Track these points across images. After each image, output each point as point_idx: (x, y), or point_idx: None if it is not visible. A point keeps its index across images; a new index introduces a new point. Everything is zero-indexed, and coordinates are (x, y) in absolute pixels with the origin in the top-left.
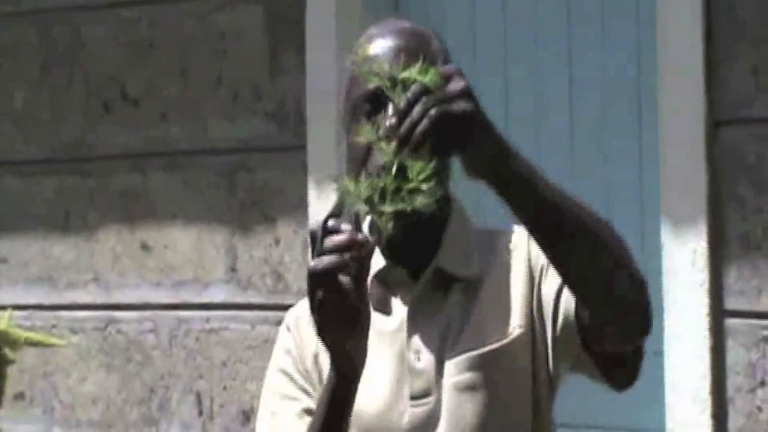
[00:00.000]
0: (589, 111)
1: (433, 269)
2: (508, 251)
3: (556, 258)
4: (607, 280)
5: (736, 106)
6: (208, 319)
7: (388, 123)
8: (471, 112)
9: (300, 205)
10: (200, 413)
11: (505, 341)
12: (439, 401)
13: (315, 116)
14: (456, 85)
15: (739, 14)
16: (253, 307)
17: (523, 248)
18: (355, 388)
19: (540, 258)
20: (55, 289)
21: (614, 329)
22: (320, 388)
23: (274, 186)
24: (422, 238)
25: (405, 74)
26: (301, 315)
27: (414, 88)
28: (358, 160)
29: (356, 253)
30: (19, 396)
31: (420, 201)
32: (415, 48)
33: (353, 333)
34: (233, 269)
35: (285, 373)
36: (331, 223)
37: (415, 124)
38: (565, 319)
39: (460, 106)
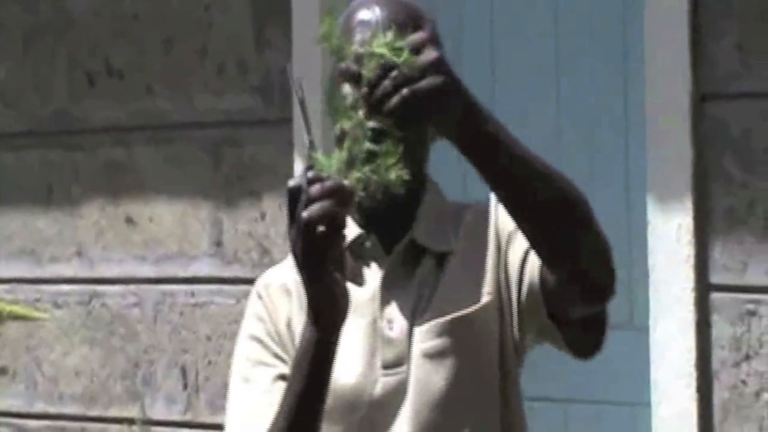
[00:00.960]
0: (575, 86)
1: (408, 241)
2: (477, 223)
3: (523, 218)
4: (572, 239)
5: (722, 81)
6: (192, 293)
7: (359, 93)
8: (440, 86)
9: (285, 180)
10: (185, 387)
11: (474, 308)
12: (410, 370)
13: None
14: (427, 56)
15: None
16: (238, 282)
17: (491, 219)
18: (335, 351)
19: (506, 227)
20: (38, 262)
21: (579, 291)
22: (294, 351)
23: (259, 160)
24: (396, 210)
25: (376, 48)
26: (270, 283)
27: (384, 61)
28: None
29: (343, 198)
30: (2, 370)
31: (391, 182)
32: (404, 19)
33: (341, 284)
34: (218, 243)
35: (257, 339)
36: (311, 174)
37: (383, 98)
38: (530, 285)
39: (431, 82)
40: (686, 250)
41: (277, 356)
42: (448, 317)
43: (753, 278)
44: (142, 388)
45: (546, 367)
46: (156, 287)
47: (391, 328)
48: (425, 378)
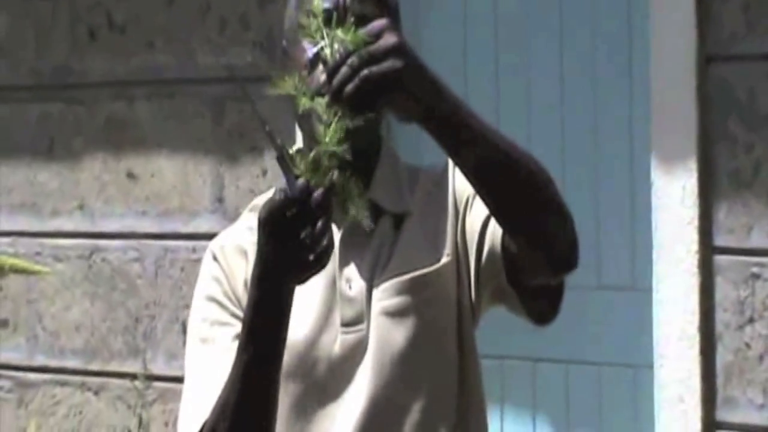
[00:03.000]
0: (579, 46)
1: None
2: (433, 185)
3: (485, 192)
4: (534, 212)
5: (727, 42)
6: (194, 249)
7: (320, 79)
8: (399, 69)
9: (288, 137)
10: (185, 343)
11: (432, 268)
12: (369, 327)
13: None
14: (386, 41)
15: None
16: None
17: (447, 182)
18: (291, 302)
19: (464, 191)
20: (39, 216)
21: (541, 262)
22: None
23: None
24: (353, 172)
25: (336, 31)
26: (225, 244)
27: (341, 47)
28: (300, 72)
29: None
30: (3, 323)
31: (350, 215)
32: None
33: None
34: (220, 199)
35: (214, 300)
36: (298, 186)
37: (343, 83)
38: (491, 250)
39: (389, 64)
40: (690, 212)
41: (234, 316)
42: (407, 276)
43: (757, 241)
44: (143, 343)
45: (547, 328)
46: (157, 242)
47: (350, 287)
48: (385, 335)
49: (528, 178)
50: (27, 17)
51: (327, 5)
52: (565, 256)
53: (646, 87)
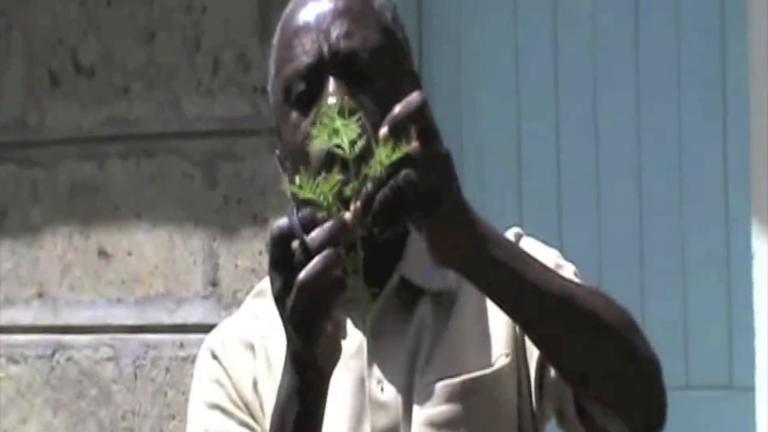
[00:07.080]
0: (662, 86)
1: (398, 280)
2: None
3: (547, 350)
4: (607, 371)
5: None
6: (181, 344)
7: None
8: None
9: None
10: None
11: (489, 370)
12: None
13: None
14: (437, 150)
15: None
16: None
17: None
18: (325, 399)
19: None
20: None
21: (617, 424)
22: (263, 418)
23: (264, 178)
24: (382, 245)
25: (379, 155)
26: (226, 339)
27: (388, 169)
28: (297, 157)
29: (346, 238)
30: None
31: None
32: (355, 9)
33: (337, 338)
34: (213, 282)
35: (218, 407)
36: (303, 214)
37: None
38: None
39: (433, 180)
40: None
41: (243, 424)
42: (458, 379)
43: None
44: None
45: None
46: (136, 337)
47: (381, 389)
48: None
49: (599, 335)
50: None
51: (309, 60)
52: (648, 419)
53: (743, 136)
